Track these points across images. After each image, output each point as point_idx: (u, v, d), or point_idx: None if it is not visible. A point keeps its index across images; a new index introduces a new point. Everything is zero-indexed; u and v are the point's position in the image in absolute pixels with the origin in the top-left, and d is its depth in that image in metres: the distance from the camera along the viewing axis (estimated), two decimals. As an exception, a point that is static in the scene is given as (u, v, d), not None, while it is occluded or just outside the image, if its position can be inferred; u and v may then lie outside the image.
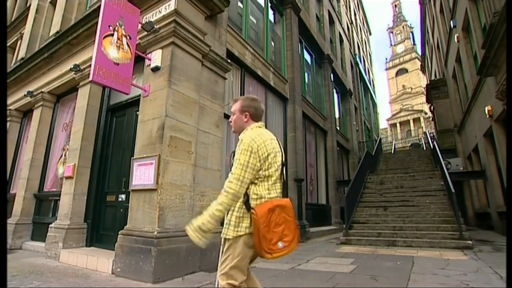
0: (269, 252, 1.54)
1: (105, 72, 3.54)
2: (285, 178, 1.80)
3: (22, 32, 9.22)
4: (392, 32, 65.71)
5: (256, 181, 1.63)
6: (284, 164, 1.79)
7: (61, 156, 6.12)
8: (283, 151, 1.82)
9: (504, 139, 6.98)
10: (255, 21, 7.91)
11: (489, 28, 5.98)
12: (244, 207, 1.60)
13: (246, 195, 1.60)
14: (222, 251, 1.66)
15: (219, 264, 1.67)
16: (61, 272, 3.82)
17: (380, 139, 18.16)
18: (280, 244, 1.56)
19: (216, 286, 1.67)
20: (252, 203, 1.59)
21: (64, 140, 6.21)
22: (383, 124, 55.66)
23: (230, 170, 1.67)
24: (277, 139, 1.82)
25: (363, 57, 24.26)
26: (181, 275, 3.58)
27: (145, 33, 4.26)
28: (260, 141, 1.65)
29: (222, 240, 1.66)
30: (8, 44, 10.10)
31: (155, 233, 3.45)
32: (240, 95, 6.23)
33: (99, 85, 4.35)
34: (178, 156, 3.94)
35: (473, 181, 11.03)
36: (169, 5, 4.18)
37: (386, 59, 64.44)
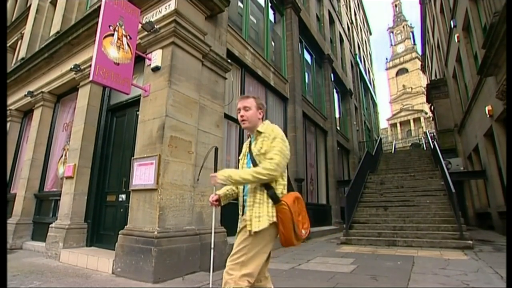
0: (299, 238, 1.68)
1: (105, 72, 3.54)
2: None
3: (22, 32, 9.22)
4: (392, 32, 65.68)
5: (283, 173, 1.76)
6: None
7: (62, 156, 6.12)
8: None
9: (505, 139, 6.98)
10: (255, 21, 7.91)
11: (489, 28, 5.97)
12: (269, 199, 1.69)
13: (271, 188, 1.70)
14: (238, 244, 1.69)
15: (230, 256, 1.67)
16: (61, 272, 3.82)
17: (381, 139, 18.16)
18: (303, 231, 1.70)
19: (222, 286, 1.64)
20: (279, 192, 1.70)
21: (65, 140, 6.21)
22: (383, 124, 55.77)
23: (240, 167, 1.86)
24: None
25: (363, 57, 24.25)
26: (182, 275, 3.58)
27: (145, 33, 4.26)
28: (282, 132, 1.80)
29: (246, 234, 1.67)
30: (8, 44, 10.11)
31: (156, 233, 3.45)
32: (240, 95, 6.22)
33: (99, 85, 4.36)
34: (179, 156, 3.94)
35: (474, 181, 11.02)
36: (169, 5, 4.18)
37: (387, 59, 64.42)
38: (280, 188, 1.73)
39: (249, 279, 1.60)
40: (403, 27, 63.77)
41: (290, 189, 1.81)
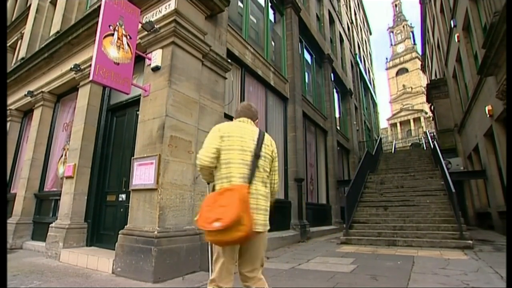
0: (202, 229, 1.62)
1: (106, 72, 3.54)
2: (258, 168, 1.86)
3: (22, 32, 9.22)
4: (392, 32, 65.64)
5: (218, 165, 1.80)
6: (258, 155, 1.84)
7: (62, 156, 6.12)
8: (261, 142, 1.89)
9: (505, 139, 6.98)
10: (255, 21, 7.91)
11: (489, 27, 5.97)
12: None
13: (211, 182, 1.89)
14: None
15: None
16: (61, 271, 3.82)
17: (381, 138, 18.17)
18: (216, 224, 1.54)
19: None
20: (216, 188, 1.79)
21: (65, 140, 6.21)
22: (383, 123, 55.72)
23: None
24: (262, 133, 1.94)
25: (363, 57, 24.24)
26: (182, 274, 3.58)
27: (146, 32, 4.26)
28: (224, 126, 1.89)
29: None
30: (8, 44, 10.11)
31: (156, 232, 3.45)
32: (241, 94, 6.23)
33: (99, 85, 4.35)
34: (179, 156, 3.94)
35: (474, 180, 11.02)
36: (169, 5, 4.18)
37: (387, 58, 64.39)
38: (218, 183, 1.79)
39: (214, 285, 1.67)
40: (403, 26, 63.73)
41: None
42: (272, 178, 1.95)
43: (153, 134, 3.89)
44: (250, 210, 1.64)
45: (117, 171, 4.89)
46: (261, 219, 1.76)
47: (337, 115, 13.52)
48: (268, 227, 1.83)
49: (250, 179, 1.75)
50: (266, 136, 1.95)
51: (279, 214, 6.94)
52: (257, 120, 2.06)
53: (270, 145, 1.94)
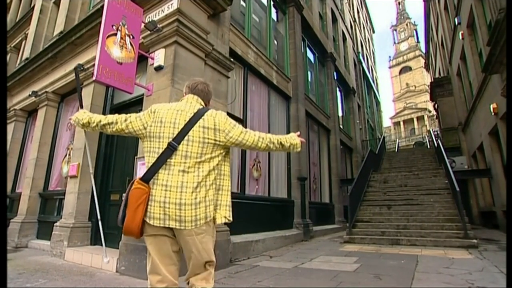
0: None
1: (109, 72, 3.55)
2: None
3: (26, 32, 9.28)
4: (395, 30, 65.24)
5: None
6: (176, 141, 1.63)
7: (66, 155, 6.16)
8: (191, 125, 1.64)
9: (510, 137, 6.93)
10: (258, 20, 7.89)
11: (494, 24, 5.92)
12: None
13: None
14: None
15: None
16: (66, 270, 3.85)
17: (384, 137, 18.09)
18: None
19: None
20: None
21: (69, 139, 6.25)
22: (386, 122, 55.35)
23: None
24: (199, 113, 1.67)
25: (367, 55, 24.12)
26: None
27: (148, 32, 4.27)
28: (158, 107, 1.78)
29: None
30: (13, 45, 10.19)
31: (159, 231, 3.46)
32: (243, 94, 6.22)
33: (102, 84, 4.36)
34: (182, 155, 3.94)
35: (478, 179, 10.94)
36: (172, 4, 4.19)
37: (390, 57, 64.06)
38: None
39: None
40: (407, 24, 63.30)
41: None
42: (247, 144, 1.68)
43: (156, 134, 3.90)
44: (149, 204, 1.60)
45: (121, 170, 4.91)
46: (176, 214, 1.54)
47: (340, 114, 13.48)
48: (197, 224, 1.55)
49: (156, 169, 1.69)
50: (206, 114, 1.66)
51: (282, 213, 6.95)
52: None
53: (208, 124, 1.64)
